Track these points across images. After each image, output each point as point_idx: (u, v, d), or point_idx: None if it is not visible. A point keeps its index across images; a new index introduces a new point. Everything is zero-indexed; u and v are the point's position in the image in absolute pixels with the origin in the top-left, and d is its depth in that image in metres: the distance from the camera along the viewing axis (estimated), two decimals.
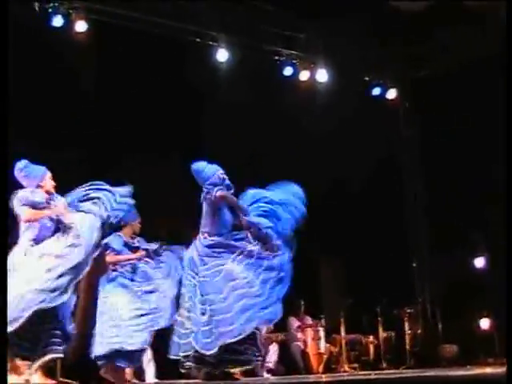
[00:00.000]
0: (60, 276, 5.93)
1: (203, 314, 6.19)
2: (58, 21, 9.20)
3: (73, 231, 6.17)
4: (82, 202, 6.44)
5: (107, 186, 6.52)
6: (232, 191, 6.60)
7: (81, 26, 9.30)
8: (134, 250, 7.58)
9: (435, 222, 11.38)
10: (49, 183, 6.54)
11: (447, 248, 10.81)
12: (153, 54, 9.52)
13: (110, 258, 7.45)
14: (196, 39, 10.07)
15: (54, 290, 5.87)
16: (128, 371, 7.44)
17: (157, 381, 7.59)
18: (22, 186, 6.48)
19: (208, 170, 6.58)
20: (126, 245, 7.60)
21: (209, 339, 6.06)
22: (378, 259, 11.03)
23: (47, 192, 6.46)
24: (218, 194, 6.42)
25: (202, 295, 6.25)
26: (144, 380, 7.70)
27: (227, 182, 6.59)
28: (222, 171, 6.62)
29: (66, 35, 9.26)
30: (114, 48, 9.34)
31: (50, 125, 9.20)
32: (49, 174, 6.56)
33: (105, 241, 7.32)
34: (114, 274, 7.43)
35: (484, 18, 9.67)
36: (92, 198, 6.43)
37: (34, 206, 6.29)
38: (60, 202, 6.43)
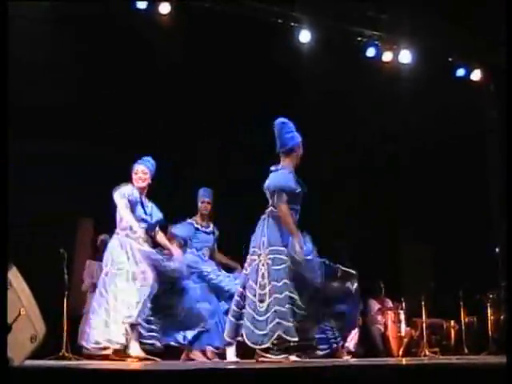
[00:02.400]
0: None
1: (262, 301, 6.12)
2: (142, 3, 9.36)
3: None
4: None
5: None
6: None
7: (164, 8, 9.42)
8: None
9: None
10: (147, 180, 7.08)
11: None
12: (235, 35, 9.55)
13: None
14: (278, 20, 10.05)
15: None
16: (209, 351, 7.57)
17: (237, 360, 7.64)
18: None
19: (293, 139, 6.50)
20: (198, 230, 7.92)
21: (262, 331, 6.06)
22: (461, 243, 10.88)
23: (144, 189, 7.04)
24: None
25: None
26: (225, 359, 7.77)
27: None
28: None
29: (150, 17, 9.41)
30: (197, 29, 9.43)
31: (138, 108, 9.42)
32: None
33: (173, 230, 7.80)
34: None
35: None
36: None
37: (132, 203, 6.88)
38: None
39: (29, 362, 4.10)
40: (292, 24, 10.14)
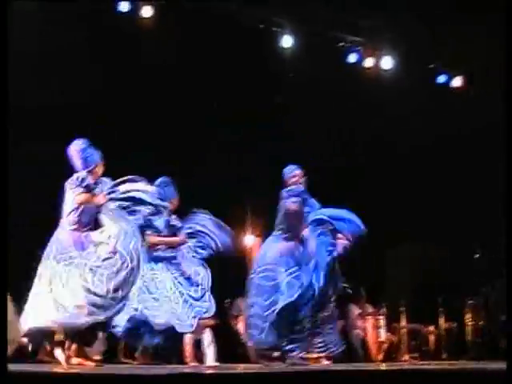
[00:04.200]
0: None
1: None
2: (124, 6, 9.33)
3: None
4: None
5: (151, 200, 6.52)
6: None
7: (147, 12, 9.40)
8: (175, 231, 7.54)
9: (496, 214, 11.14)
10: (101, 170, 6.51)
11: None
12: (216, 39, 9.54)
13: (152, 239, 7.32)
14: (260, 25, 10.05)
15: None
16: (188, 353, 7.52)
17: (217, 364, 7.63)
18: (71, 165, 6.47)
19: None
20: (168, 225, 7.47)
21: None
22: (442, 250, 10.92)
23: (96, 178, 6.44)
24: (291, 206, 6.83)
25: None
26: (204, 362, 7.75)
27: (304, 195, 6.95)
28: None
29: (132, 21, 9.38)
30: (178, 31, 9.41)
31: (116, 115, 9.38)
32: (102, 161, 6.53)
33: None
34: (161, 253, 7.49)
35: None
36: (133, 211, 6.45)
37: (88, 189, 6.29)
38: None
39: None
40: (274, 29, 10.16)
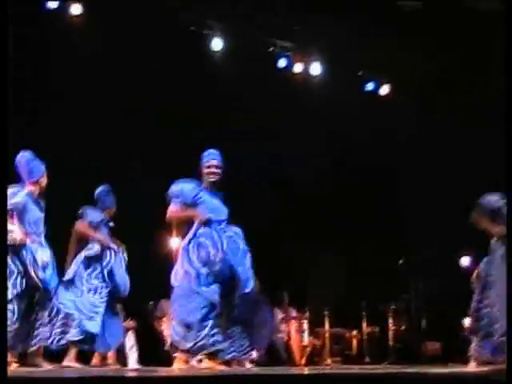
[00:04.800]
0: None
1: None
2: (52, 4, 9.18)
3: None
4: None
5: None
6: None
7: (76, 9, 9.26)
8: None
9: (424, 219, 11.34)
10: (45, 181, 6.57)
11: (435, 246, 10.85)
12: (146, 40, 9.48)
13: (82, 226, 7.39)
14: (191, 27, 10.02)
15: None
16: (110, 356, 7.45)
17: (139, 367, 7.58)
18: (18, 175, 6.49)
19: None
20: (103, 222, 7.52)
21: None
22: (365, 254, 11.04)
23: (41, 189, 6.52)
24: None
25: None
26: (126, 365, 7.70)
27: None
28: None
29: (61, 18, 9.24)
30: (107, 32, 9.32)
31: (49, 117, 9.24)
32: (46, 173, 6.58)
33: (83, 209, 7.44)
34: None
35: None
36: None
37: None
38: None
39: None
40: (205, 32, 10.14)
